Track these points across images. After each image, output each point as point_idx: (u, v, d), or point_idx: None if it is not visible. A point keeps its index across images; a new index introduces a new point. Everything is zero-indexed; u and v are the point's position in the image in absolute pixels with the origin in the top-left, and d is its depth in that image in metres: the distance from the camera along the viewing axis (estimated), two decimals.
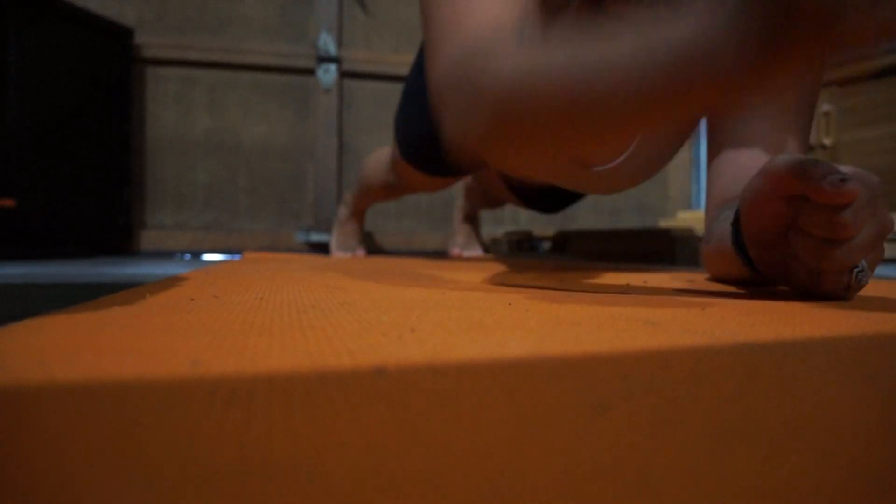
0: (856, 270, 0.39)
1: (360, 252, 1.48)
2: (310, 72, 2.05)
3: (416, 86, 1.03)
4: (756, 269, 0.46)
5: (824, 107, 1.80)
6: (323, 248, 1.95)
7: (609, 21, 0.46)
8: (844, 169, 0.38)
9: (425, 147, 1.01)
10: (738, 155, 0.63)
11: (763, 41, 0.28)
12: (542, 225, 2.17)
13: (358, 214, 1.48)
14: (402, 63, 2.01)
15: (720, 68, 0.30)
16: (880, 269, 1.11)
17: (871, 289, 0.52)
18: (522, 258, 1.34)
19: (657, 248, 1.32)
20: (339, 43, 2.07)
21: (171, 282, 0.54)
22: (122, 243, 1.87)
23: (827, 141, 1.79)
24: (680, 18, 0.32)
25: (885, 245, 1.50)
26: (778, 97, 0.63)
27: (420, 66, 1.02)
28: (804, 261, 0.39)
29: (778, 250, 0.42)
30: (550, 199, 1.21)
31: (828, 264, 0.38)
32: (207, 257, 1.74)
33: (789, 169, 0.38)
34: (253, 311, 0.34)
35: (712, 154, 0.68)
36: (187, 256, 1.80)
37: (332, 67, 2.04)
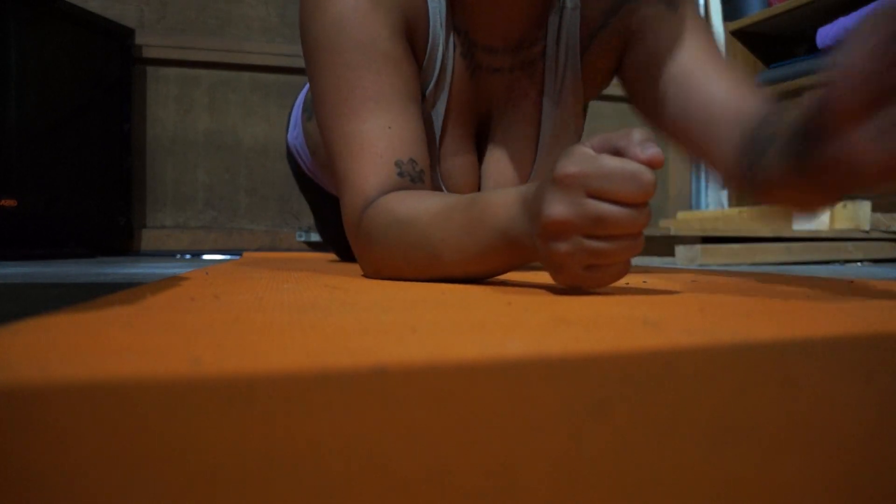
0: None
1: None
2: None
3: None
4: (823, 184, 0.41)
5: None
6: (323, 248, 1.95)
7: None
8: None
9: None
10: (715, 108, 0.61)
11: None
12: None
13: None
14: None
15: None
16: (880, 269, 1.11)
17: (871, 289, 0.52)
18: None
19: (657, 248, 1.32)
20: None
21: (171, 281, 0.54)
22: (122, 243, 1.87)
23: None
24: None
25: (885, 245, 1.50)
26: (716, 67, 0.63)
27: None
28: None
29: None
30: None
31: None
32: (207, 257, 1.74)
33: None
34: (253, 311, 0.33)
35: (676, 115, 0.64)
36: (187, 256, 1.80)
37: None
